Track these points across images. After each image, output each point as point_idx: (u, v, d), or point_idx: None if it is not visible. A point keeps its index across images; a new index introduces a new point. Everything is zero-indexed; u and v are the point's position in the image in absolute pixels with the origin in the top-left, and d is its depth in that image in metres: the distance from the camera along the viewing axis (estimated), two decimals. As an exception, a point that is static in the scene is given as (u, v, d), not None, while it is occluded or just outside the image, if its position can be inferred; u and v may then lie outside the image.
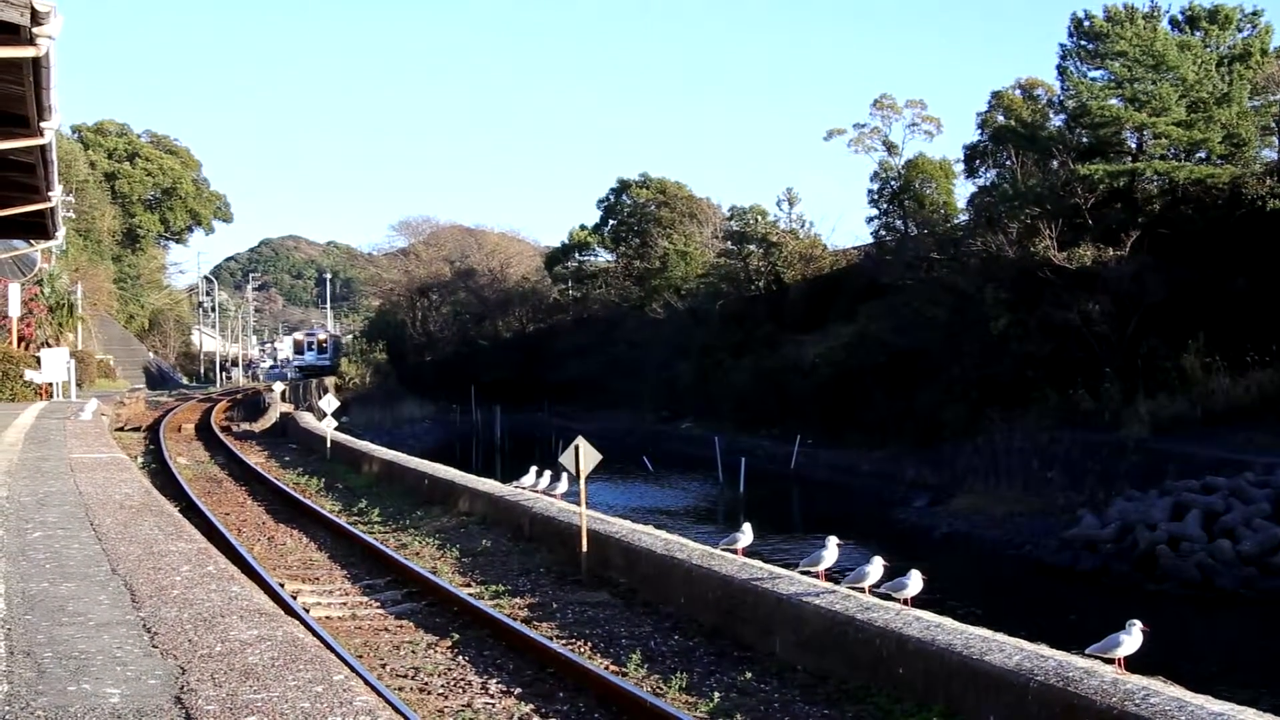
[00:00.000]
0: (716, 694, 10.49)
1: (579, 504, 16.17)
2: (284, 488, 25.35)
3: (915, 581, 11.15)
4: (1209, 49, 41.35)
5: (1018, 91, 49.98)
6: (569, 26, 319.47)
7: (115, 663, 5.69)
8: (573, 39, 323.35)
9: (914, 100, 58.69)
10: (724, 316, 61.15)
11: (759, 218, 65.48)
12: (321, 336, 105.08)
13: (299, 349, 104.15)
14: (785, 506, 38.77)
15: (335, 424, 34.23)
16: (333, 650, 10.32)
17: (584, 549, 15.59)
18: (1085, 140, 42.39)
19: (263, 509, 22.97)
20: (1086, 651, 9.33)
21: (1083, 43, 42.34)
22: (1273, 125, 41.79)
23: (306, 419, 42.03)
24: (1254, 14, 42.36)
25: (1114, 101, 41.16)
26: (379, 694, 9.35)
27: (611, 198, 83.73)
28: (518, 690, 10.66)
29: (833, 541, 12.38)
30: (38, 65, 11.55)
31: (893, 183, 57.72)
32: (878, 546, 23.47)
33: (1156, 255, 36.45)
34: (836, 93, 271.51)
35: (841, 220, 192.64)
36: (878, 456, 41.85)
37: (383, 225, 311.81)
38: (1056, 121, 45.55)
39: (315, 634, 10.88)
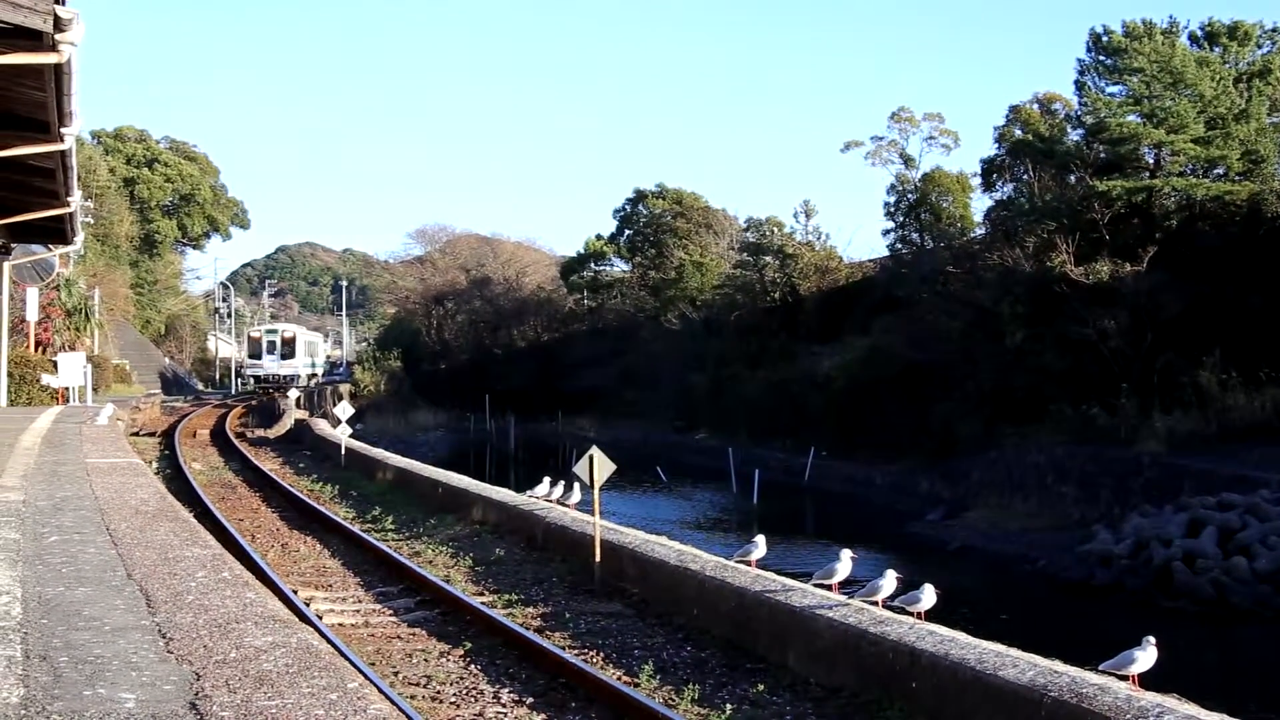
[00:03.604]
0: (729, 706, 10.47)
1: (592, 514, 16.17)
2: (298, 494, 25.40)
3: (929, 595, 11.14)
4: (1228, 65, 41.27)
5: (1035, 106, 49.84)
6: (587, 37, 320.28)
7: (130, 668, 5.71)
8: (591, 49, 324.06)
9: (932, 113, 58.62)
10: (739, 328, 61.16)
11: (775, 229, 65.53)
12: (288, 333, 75.24)
13: (255, 350, 73.50)
14: (799, 518, 38.68)
15: (349, 431, 34.28)
16: (346, 658, 10.34)
17: (597, 559, 15.59)
18: (1103, 156, 42.29)
19: (277, 515, 23.02)
20: (1100, 668, 9.30)
21: (1101, 58, 42.28)
22: (1291, 142, 41.67)
23: (321, 426, 42.12)
24: (1274, 30, 42.33)
25: (1132, 118, 41.09)
26: (392, 702, 9.36)
27: (628, 208, 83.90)
28: (530, 700, 10.66)
29: (846, 554, 12.37)
30: (60, 71, 11.62)
31: (909, 195, 57.62)
32: (891, 559, 23.43)
33: (1173, 271, 36.34)
34: (854, 105, 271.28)
35: (858, 233, 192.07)
36: (892, 469, 41.77)
37: (399, 233, 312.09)
38: (1074, 136, 45.43)
39: (329, 641, 10.90)
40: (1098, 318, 36.07)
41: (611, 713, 10.27)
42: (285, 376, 70.24)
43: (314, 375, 78.70)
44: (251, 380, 73.78)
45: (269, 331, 75.22)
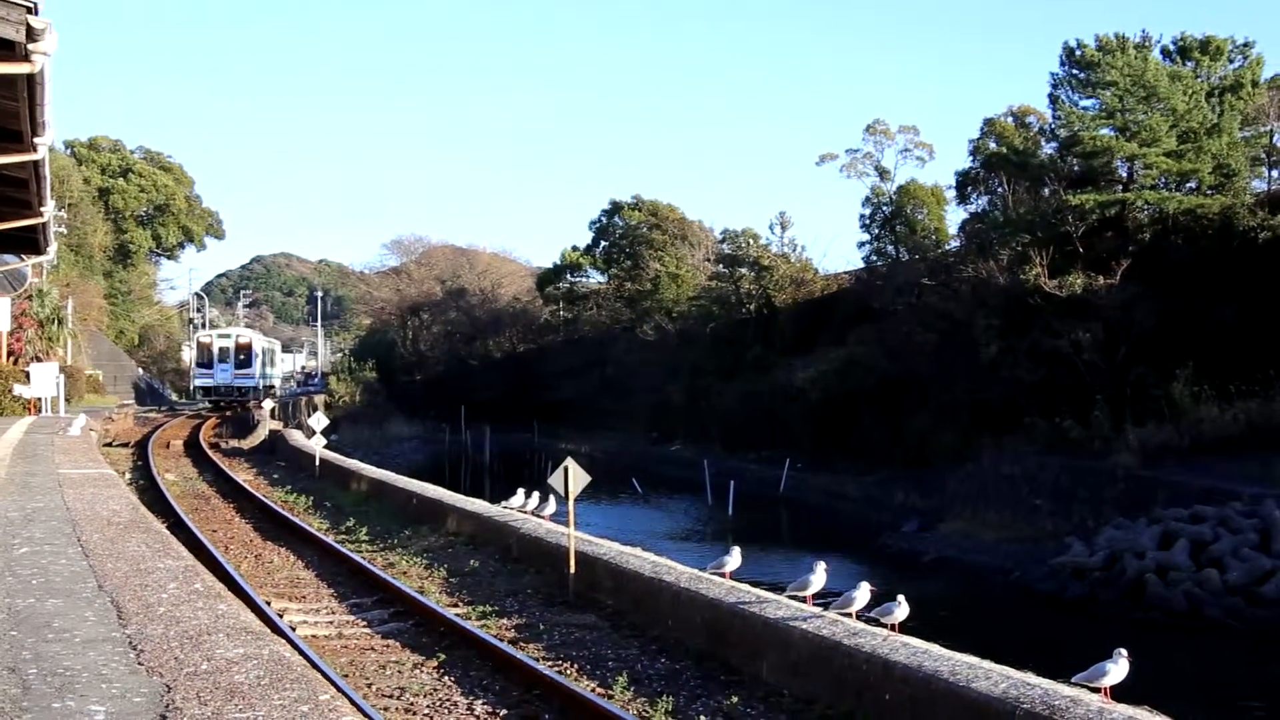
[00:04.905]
0: (703, 717, 10.48)
1: (567, 525, 16.15)
2: (272, 505, 25.28)
3: (902, 607, 11.19)
4: (1200, 79, 41.59)
5: (1010, 119, 50.15)
6: (563, 48, 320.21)
7: (101, 680, 5.68)
8: (567, 60, 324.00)
9: (907, 126, 58.90)
10: (715, 339, 61.30)
11: (751, 241, 65.76)
12: (244, 338, 65.01)
13: (205, 358, 63.06)
14: (774, 530, 38.72)
15: (324, 442, 34.18)
16: (319, 669, 10.28)
17: (572, 570, 15.57)
18: (1076, 169, 42.57)
19: (250, 526, 22.92)
20: (1073, 680, 9.34)
21: (1074, 72, 42.54)
22: (1263, 156, 42.05)
23: (295, 437, 41.97)
24: (1245, 45, 42.65)
25: (1105, 131, 41.35)
26: (365, 714, 9.32)
27: (603, 219, 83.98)
28: (504, 711, 10.63)
29: (821, 566, 12.39)
30: (32, 81, 11.56)
31: (885, 208, 57.81)
32: (866, 571, 23.47)
33: (1146, 284, 36.59)
34: (830, 118, 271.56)
35: (833, 245, 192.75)
36: (867, 480, 41.86)
37: (375, 244, 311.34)
38: (1048, 149, 45.71)
39: (301, 653, 10.84)
40: (1071, 330, 36.28)
41: (585, 725, 10.25)
42: (240, 389, 62.02)
43: (271, 388, 70.17)
44: (200, 393, 64.69)
45: (221, 337, 65.39)
